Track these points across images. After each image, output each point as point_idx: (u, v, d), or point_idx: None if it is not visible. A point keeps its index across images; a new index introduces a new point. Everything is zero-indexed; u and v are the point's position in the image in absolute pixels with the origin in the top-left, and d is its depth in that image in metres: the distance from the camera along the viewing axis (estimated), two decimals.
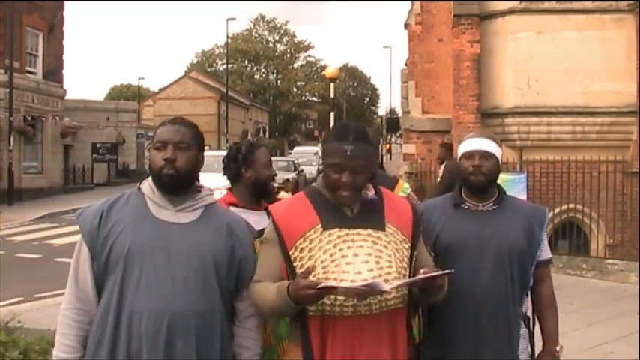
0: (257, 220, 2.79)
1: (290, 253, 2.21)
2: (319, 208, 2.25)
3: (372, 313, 2.15)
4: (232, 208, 2.87)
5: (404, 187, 3.35)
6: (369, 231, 2.20)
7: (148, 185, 2.29)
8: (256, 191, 2.93)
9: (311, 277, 2.09)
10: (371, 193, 2.30)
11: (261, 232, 2.79)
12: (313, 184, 2.40)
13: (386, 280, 2.10)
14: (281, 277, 2.22)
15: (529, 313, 2.79)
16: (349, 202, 2.23)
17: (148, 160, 2.33)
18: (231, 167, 3.03)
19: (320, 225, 2.21)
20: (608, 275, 9.48)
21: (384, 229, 2.23)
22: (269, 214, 2.32)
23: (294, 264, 2.20)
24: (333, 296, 2.10)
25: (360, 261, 2.14)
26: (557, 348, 2.75)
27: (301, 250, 2.20)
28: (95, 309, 2.20)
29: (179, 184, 2.24)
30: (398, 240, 2.25)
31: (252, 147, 3.00)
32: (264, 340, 2.71)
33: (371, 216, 2.25)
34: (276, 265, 2.24)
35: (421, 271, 2.15)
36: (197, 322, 2.15)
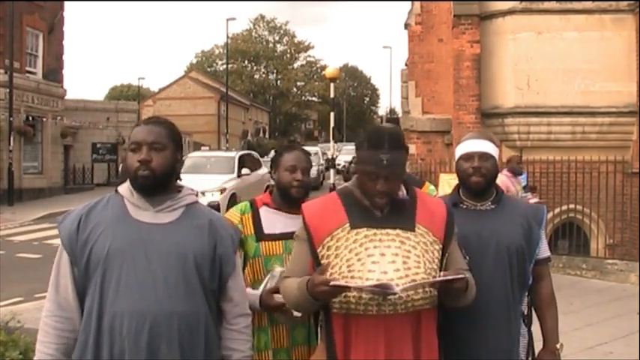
0: (287, 222, 2.80)
1: (318, 250, 2.23)
2: (349, 208, 2.27)
3: (396, 313, 2.15)
4: (264, 208, 2.88)
5: (430, 189, 3.32)
6: (398, 231, 2.21)
7: (126, 187, 2.27)
8: (282, 195, 2.88)
9: (336, 275, 2.11)
10: (402, 193, 2.31)
11: (277, 235, 2.81)
12: (347, 184, 2.40)
13: (413, 281, 2.10)
14: (309, 274, 2.22)
15: (528, 312, 2.79)
16: (383, 206, 2.25)
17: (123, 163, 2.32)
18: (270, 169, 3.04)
19: (348, 224, 2.23)
20: (608, 275, 9.48)
21: (413, 230, 2.23)
22: (300, 212, 2.35)
23: (322, 262, 2.22)
24: (357, 295, 2.11)
25: (387, 261, 2.14)
26: (558, 346, 2.75)
27: (328, 248, 2.22)
28: (77, 315, 2.18)
29: (155, 185, 2.21)
30: (428, 241, 2.24)
31: (282, 149, 2.98)
32: (258, 320, 2.73)
33: (401, 216, 2.26)
34: (305, 262, 2.28)
35: (440, 274, 2.16)
36: (180, 323, 2.12)
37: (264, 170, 18.36)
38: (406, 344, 2.17)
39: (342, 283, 2.07)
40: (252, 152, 21.61)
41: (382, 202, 2.22)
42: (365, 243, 2.18)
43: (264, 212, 2.87)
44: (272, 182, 3.00)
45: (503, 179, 7.98)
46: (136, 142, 2.22)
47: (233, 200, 15.17)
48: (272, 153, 3.33)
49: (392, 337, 2.15)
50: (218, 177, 16.40)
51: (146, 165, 2.19)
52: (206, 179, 15.63)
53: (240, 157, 18.28)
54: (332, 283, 2.04)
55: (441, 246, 2.28)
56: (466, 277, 2.20)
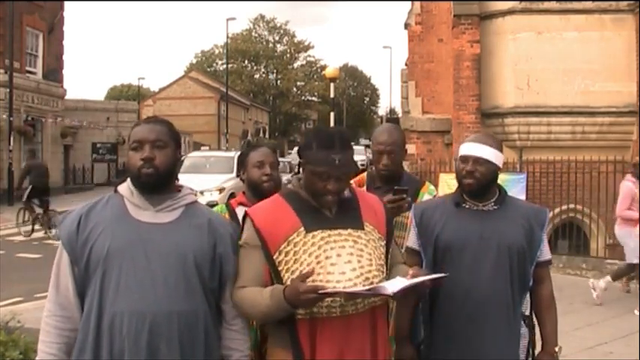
0: None
1: (274, 257, 2.23)
2: (300, 211, 2.27)
3: (357, 312, 2.20)
4: (240, 208, 2.90)
5: (430, 189, 3.32)
6: (349, 231, 2.25)
7: (125, 187, 2.27)
8: (254, 192, 2.93)
9: (310, 282, 2.11)
10: (347, 191, 2.34)
11: None
12: (289, 185, 2.42)
13: (367, 279, 2.17)
14: (265, 282, 2.23)
15: (529, 313, 2.79)
16: (332, 206, 2.28)
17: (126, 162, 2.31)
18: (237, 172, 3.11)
19: (302, 228, 2.23)
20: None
21: (362, 228, 2.28)
22: (247, 218, 2.32)
23: (279, 268, 2.22)
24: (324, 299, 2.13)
25: (343, 261, 2.18)
26: (556, 349, 2.75)
27: (286, 253, 2.22)
28: (78, 315, 2.18)
29: (158, 183, 2.21)
30: (375, 238, 2.30)
31: (248, 148, 3.05)
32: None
33: (349, 215, 2.29)
34: (259, 269, 2.25)
35: (410, 272, 2.22)
36: (180, 322, 2.12)
37: None
38: (366, 341, 2.24)
39: (332, 290, 2.07)
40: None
41: (331, 200, 2.24)
42: (322, 245, 2.20)
43: (241, 212, 2.87)
44: (244, 180, 3.05)
45: (629, 185, 7.86)
46: (138, 141, 2.22)
47: None
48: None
49: (354, 335, 2.20)
50: (217, 177, 16.45)
51: (150, 163, 2.19)
52: (205, 179, 15.66)
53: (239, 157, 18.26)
54: (322, 290, 2.05)
55: (384, 242, 2.35)
56: (442, 276, 2.31)
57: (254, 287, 2.23)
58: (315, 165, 2.22)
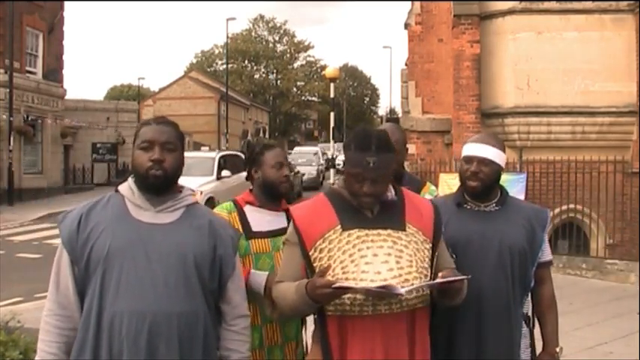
0: (271, 220, 2.86)
1: (310, 253, 2.23)
2: (339, 209, 2.26)
3: (392, 312, 2.16)
4: (248, 207, 2.90)
5: (431, 190, 3.32)
6: (389, 231, 2.21)
7: (127, 186, 2.26)
8: (268, 192, 2.92)
9: (330, 277, 2.10)
10: (391, 194, 2.31)
11: (265, 233, 2.83)
12: (334, 185, 2.40)
13: (406, 280, 2.11)
14: (302, 278, 2.22)
15: (530, 313, 2.79)
16: (371, 207, 2.25)
17: (132, 160, 2.28)
18: (247, 168, 3.06)
19: (339, 226, 2.22)
20: (608, 275, 9.48)
21: (404, 230, 2.24)
22: (289, 216, 2.34)
23: (314, 264, 2.21)
24: (352, 296, 2.11)
25: (380, 261, 2.14)
26: (557, 349, 2.75)
27: (321, 250, 2.21)
28: (78, 314, 2.18)
29: (165, 185, 2.23)
30: (419, 240, 2.25)
31: (263, 148, 3.00)
32: (251, 319, 2.72)
33: (391, 216, 2.26)
34: (297, 265, 2.26)
35: (439, 274, 2.16)
36: (179, 323, 2.12)
37: None
38: (402, 342, 2.18)
39: (345, 284, 2.06)
40: (238, 153, 20.12)
41: (368, 201, 2.22)
42: (357, 244, 2.18)
43: (249, 211, 2.90)
44: (258, 178, 2.98)
45: None
46: (149, 141, 2.21)
47: (210, 205, 14.82)
48: None
49: (388, 336, 2.16)
50: (195, 179, 14.97)
51: (159, 164, 2.19)
52: (181, 182, 15.12)
53: (221, 158, 17.39)
54: (335, 285, 2.04)
55: (430, 245, 2.29)
56: (465, 278, 2.21)
57: (288, 282, 2.24)
58: (351, 166, 2.22)
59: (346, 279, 2.11)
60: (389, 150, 2.22)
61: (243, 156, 19.29)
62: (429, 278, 2.21)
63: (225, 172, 16.76)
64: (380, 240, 2.19)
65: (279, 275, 2.33)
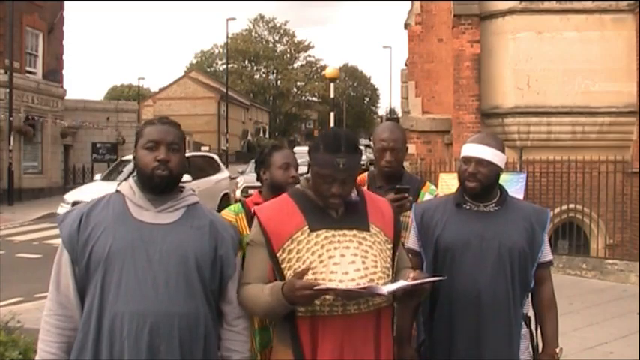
0: None
1: (277, 255, 2.24)
2: (305, 210, 2.28)
3: (360, 312, 2.19)
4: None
5: (431, 189, 3.32)
6: (355, 232, 2.25)
7: (127, 186, 2.27)
8: (276, 193, 2.92)
9: (296, 278, 2.11)
10: (354, 194, 2.34)
11: None
12: (297, 186, 2.43)
13: (371, 280, 2.16)
14: (268, 279, 2.24)
15: (530, 314, 2.79)
16: (338, 208, 2.28)
17: (135, 160, 2.28)
18: (256, 169, 3.08)
19: (307, 227, 2.24)
20: (608, 275, 9.48)
21: (368, 230, 2.28)
22: (254, 216, 2.34)
23: (282, 266, 2.23)
24: (322, 296, 2.13)
25: (347, 261, 2.18)
26: (557, 350, 2.75)
27: (289, 251, 2.22)
28: (78, 314, 2.18)
29: (169, 186, 2.23)
30: (382, 240, 2.30)
31: (272, 149, 3.02)
32: (260, 320, 2.71)
33: (355, 217, 2.30)
34: (263, 266, 2.27)
35: (411, 275, 2.22)
36: (180, 323, 2.12)
37: (223, 175, 16.30)
38: (369, 342, 2.22)
39: (326, 286, 2.07)
40: (211, 155, 18.75)
41: (336, 202, 2.25)
42: (325, 245, 2.20)
43: None
44: (266, 180, 3.00)
45: None
46: (154, 141, 2.22)
47: None
48: None
49: (356, 335, 2.19)
50: None
51: (165, 165, 2.20)
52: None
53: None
54: (320, 286, 2.05)
55: (391, 245, 2.35)
56: (441, 279, 2.32)
57: (257, 284, 2.24)
58: (320, 167, 2.23)
59: (315, 279, 2.13)
60: (357, 151, 2.26)
61: (215, 158, 18.02)
62: (390, 277, 2.27)
63: (186, 177, 15.63)
64: (346, 240, 2.22)
65: (244, 277, 2.31)
